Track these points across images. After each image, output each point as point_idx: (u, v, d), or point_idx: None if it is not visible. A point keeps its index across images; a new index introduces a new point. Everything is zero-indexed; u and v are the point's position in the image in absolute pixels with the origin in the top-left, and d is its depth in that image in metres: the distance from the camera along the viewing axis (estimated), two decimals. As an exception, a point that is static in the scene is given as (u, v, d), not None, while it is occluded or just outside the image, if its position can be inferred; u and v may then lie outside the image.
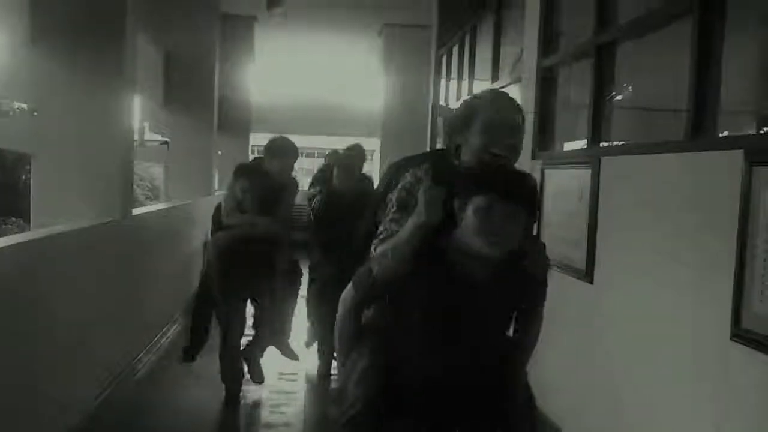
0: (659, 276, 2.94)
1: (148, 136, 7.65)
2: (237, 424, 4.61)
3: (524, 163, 4.84)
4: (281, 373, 5.39)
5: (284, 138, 4.71)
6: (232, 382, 4.80)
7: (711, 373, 2.52)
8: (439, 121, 8.00)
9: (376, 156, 13.54)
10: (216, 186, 9.12)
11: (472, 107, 2.27)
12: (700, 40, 2.75)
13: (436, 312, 2.05)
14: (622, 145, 3.53)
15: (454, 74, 7.83)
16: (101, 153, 4.38)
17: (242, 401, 4.80)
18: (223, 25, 9.59)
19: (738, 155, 2.37)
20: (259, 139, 16.03)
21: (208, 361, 5.65)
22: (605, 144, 3.80)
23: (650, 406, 2.94)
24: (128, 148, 4.76)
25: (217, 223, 4.60)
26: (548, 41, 4.64)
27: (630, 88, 4.25)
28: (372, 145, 14.46)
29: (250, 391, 4.96)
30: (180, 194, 7.91)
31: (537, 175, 4.43)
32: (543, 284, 2.18)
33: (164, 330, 6.10)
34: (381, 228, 2.27)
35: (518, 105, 2.35)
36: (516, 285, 2.11)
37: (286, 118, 14.29)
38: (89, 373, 4.08)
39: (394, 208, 2.24)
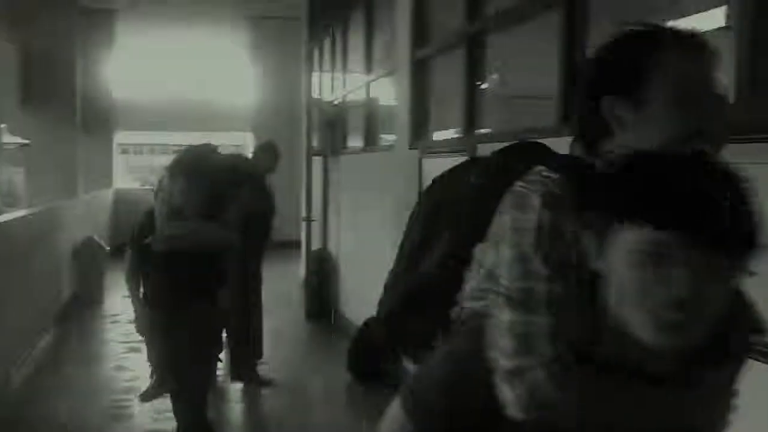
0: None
1: (7, 138, 7.18)
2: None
3: (401, 152, 4.95)
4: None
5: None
6: None
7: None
8: (315, 114, 7.99)
9: (248, 152, 13.34)
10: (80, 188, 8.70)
11: (643, 50, 1.15)
12: (566, 30, 2.90)
13: None
14: (498, 132, 3.66)
15: (327, 67, 7.84)
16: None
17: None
18: (82, 19, 9.14)
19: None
20: (126, 138, 15.47)
21: (85, 373, 5.43)
22: (481, 131, 3.93)
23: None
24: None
25: (144, 235, 3.40)
26: (420, 33, 4.73)
27: (499, 77, 4.41)
28: (243, 140, 14.24)
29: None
30: (42, 199, 7.49)
31: (414, 165, 4.53)
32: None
33: (35, 341, 5.78)
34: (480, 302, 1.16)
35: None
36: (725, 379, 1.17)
37: (153, 115, 13.80)
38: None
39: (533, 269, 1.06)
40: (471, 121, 3.94)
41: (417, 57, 4.71)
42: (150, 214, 3.44)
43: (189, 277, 3.31)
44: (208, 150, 3.62)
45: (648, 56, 1.12)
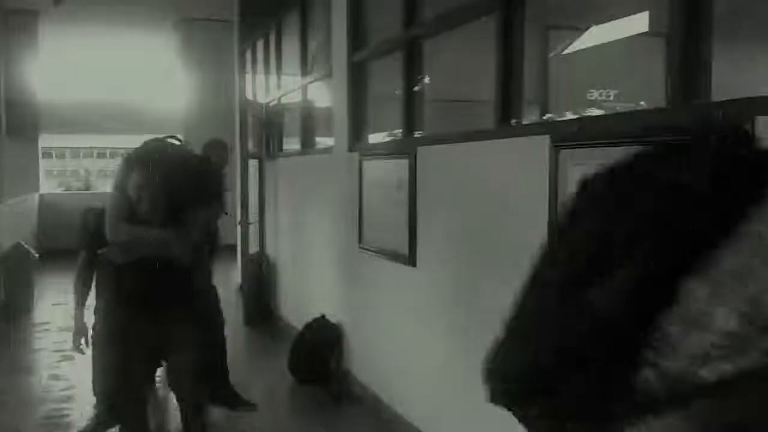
0: (478, 257, 3.17)
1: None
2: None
3: (340, 155, 4.99)
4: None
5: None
6: None
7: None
8: (250, 116, 7.94)
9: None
10: None
11: None
12: (504, 34, 2.99)
13: None
14: (437, 135, 3.74)
15: (261, 69, 7.80)
16: None
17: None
18: (4, 20, 8.85)
19: (545, 140, 2.62)
20: (49, 141, 15.01)
21: (18, 383, 5.28)
22: (419, 134, 4.00)
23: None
24: None
25: (97, 240, 3.11)
26: (357, 37, 4.78)
27: (428, 80, 4.49)
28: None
29: None
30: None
31: (355, 168, 4.58)
32: None
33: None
34: None
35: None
36: None
37: (79, 118, 13.46)
38: None
39: None
40: (411, 124, 4.01)
41: (355, 60, 4.76)
42: (100, 215, 3.10)
43: (147, 289, 2.99)
44: (167, 144, 3.17)
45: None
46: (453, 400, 3.36)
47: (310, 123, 6.23)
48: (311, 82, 6.10)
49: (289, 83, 6.74)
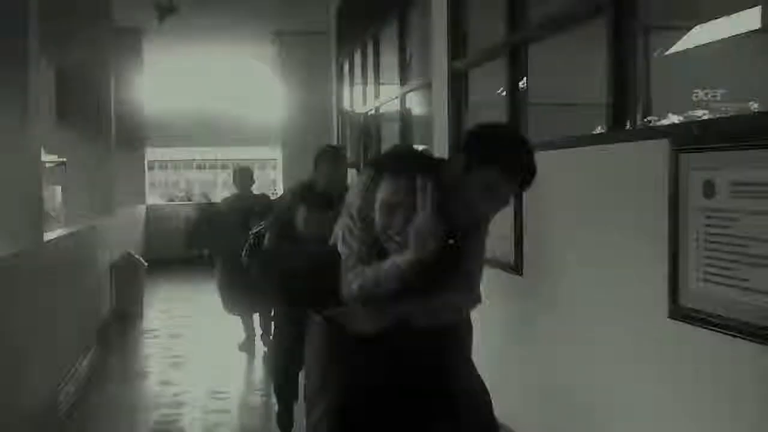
0: (594, 263, 3.08)
1: (44, 156, 7.28)
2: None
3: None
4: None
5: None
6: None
7: (651, 351, 2.66)
8: (348, 126, 8.04)
9: (278, 165, 13.42)
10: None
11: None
12: (616, 34, 2.91)
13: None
14: (546, 141, 3.66)
15: (358, 80, 7.88)
16: (10, 180, 4.16)
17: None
18: (113, 39, 9.28)
19: (664, 143, 2.52)
20: (156, 154, 15.63)
21: (130, 389, 5.48)
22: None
23: (593, 387, 3.07)
24: (36, 173, 4.54)
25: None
26: (456, 44, 4.75)
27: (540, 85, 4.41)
28: (273, 154, 14.33)
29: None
30: (78, 217, 7.58)
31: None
32: None
33: (79, 359, 5.85)
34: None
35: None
36: None
37: (183, 131, 13.98)
38: (14, 406, 3.87)
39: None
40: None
41: (455, 67, 4.73)
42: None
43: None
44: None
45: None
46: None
47: (408, 131, 6.24)
48: (410, 91, 6.11)
49: (388, 92, 6.78)
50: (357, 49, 7.80)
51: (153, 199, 14.25)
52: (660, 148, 2.53)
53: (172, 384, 5.48)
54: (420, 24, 5.70)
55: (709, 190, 2.33)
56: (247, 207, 5.90)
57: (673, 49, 7.64)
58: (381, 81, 7.01)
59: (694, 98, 8.35)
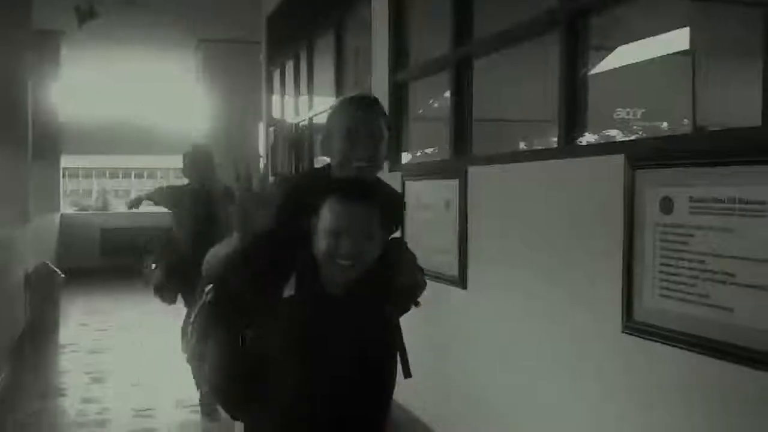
0: (544, 279, 3.08)
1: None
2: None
3: (382, 175, 4.92)
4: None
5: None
6: None
7: (604, 366, 2.68)
8: (278, 136, 7.92)
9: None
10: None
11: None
12: (568, 53, 2.93)
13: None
14: (492, 155, 3.67)
15: (290, 90, 7.78)
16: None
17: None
18: (31, 41, 8.87)
19: (619, 159, 2.54)
20: (70, 161, 15.02)
21: (47, 407, 5.21)
22: (471, 154, 3.93)
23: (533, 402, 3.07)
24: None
25: None
26: (398, 56, 4.73)
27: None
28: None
29: None
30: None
31: (398, 187, 4.50)
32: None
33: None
34: None
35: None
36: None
37: (99, 139, 13.51)
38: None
39: None
40: (459, 143, 3.95)
41: (396, 80, 4.71)
42: None
43: None
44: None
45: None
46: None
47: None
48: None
49: (322, 103, 6.71)
50: (290, 58, 7.69)
51: (64, 208, 13.67)
52: (615, 163, 2.56)
53: (94, 402, 5.22)
54: (358, 34, 5.66)
55: (666, 206, 2.36)
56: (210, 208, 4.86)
57: (597, 69, 7.85)
58: (315, 92, 6.93)
59: (616, 116, 8.63)
